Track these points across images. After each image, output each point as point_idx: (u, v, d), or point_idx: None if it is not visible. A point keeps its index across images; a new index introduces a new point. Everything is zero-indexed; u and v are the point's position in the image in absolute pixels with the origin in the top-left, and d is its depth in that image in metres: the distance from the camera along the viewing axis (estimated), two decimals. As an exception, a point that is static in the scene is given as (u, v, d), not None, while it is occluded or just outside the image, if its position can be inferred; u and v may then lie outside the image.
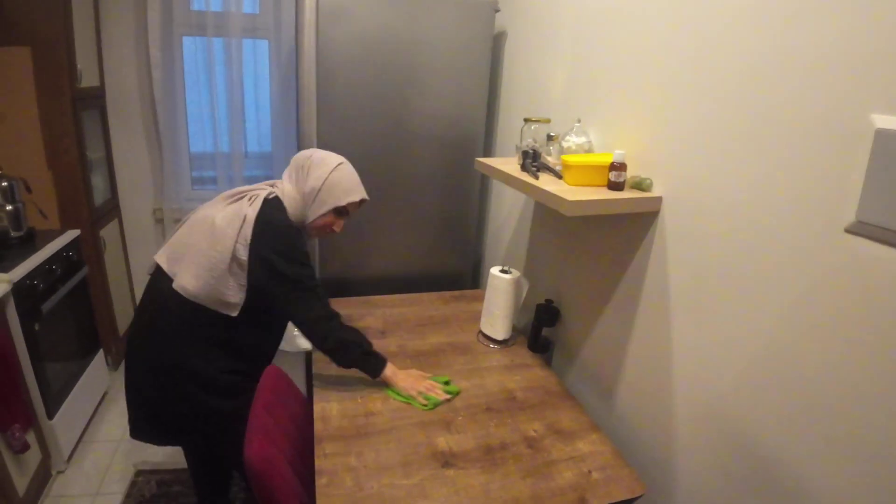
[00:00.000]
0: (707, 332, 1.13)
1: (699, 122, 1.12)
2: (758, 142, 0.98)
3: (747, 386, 1.04)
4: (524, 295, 1.72)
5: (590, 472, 1.23)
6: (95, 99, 2.57)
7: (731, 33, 1.03)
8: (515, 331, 1.83)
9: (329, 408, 1.40)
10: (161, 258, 1.45)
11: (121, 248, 2.80)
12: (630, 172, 1.29)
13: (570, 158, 1.30)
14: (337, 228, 1.56)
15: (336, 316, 1.48)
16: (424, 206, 2.11)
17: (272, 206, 1.44)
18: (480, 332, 1.80)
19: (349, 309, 1.89)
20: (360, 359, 1.49)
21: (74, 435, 2.23)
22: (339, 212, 1.53)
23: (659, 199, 1.23)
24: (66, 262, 2.20)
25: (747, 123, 1.00)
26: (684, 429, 1.22)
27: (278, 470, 1.16)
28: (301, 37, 1.83)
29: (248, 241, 1.36)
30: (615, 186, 1.25)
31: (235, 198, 1.45)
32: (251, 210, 1.39)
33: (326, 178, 1.48)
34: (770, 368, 0.99)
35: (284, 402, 1.37)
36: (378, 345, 1.69)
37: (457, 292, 2.10)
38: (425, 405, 1.43)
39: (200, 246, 1.37)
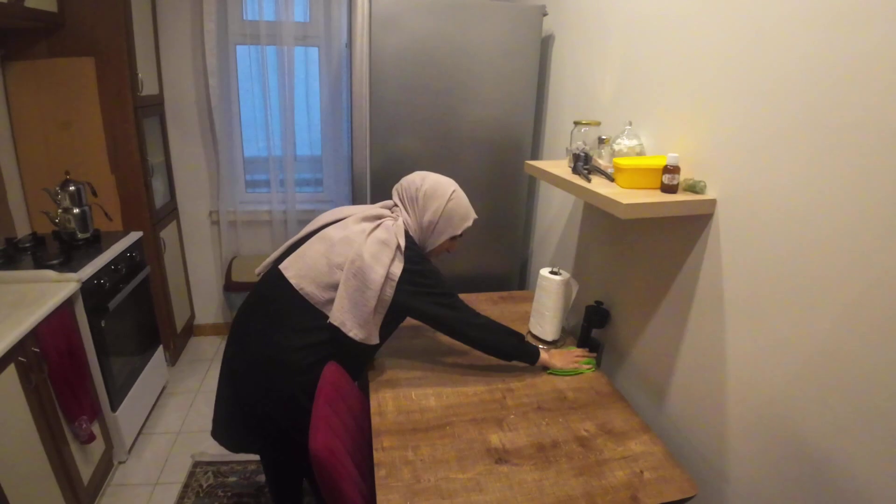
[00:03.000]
0: (762, 334, 1.15)
1: (753, 123, 1.14)
2: (813, 142, 1.00)
3: (802, 389, 1.06)
4: (574, 296, 1.76)
5: (642, 471, 1.26)
6: (155, 106, 2.73)
7: (786, 30, 1.05)
8: (564, 332, 1.87)
9: (385, 403, 1.48)
10: (289, 271, 1.48)
11: (179, 249, 2.96)
12: (683, 175, 1.32)
13: (623, 161, 1.34)
14: (453, 250, 1.66)
15: (484, 317, 1.59)
16: (473, 208, 2.17)
17: (409, 239, 1.52)
18: (529, 332, 1.84)
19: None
20: (519, 349, 1.61)
21: (135, 427, 2.37)
22: (455, 237, 1.61)
23: (713, 202, 1.26)
24: (129, 262, 2.34)
25: (802, 123, 1.02)
26: (737, 431, 1.24)
27: (341, 461, 1.23)
28: (354, 44, 1.92)
29: (396, 280, 1.44)
30: (669, 189, 1.28)
31: (373, 225, 1.50)
32: (398, 243, 1.46)
33: (443, 210, 1.54)
34: (826, 371, 1.01)
35: (344, 397, 1.45)
36: (429, 344, 1.76)
37: (505, 293, 2.15)
38: (590, 368, 1.66)
39: (352, 281, 1.42)
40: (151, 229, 2.60)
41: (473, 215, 1.61)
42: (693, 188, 1.29)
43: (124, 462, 2.26)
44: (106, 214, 2.44)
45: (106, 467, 2.16)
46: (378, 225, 1.51)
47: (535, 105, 2.12)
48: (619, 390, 1.61)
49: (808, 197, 1.03)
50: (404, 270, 1.46)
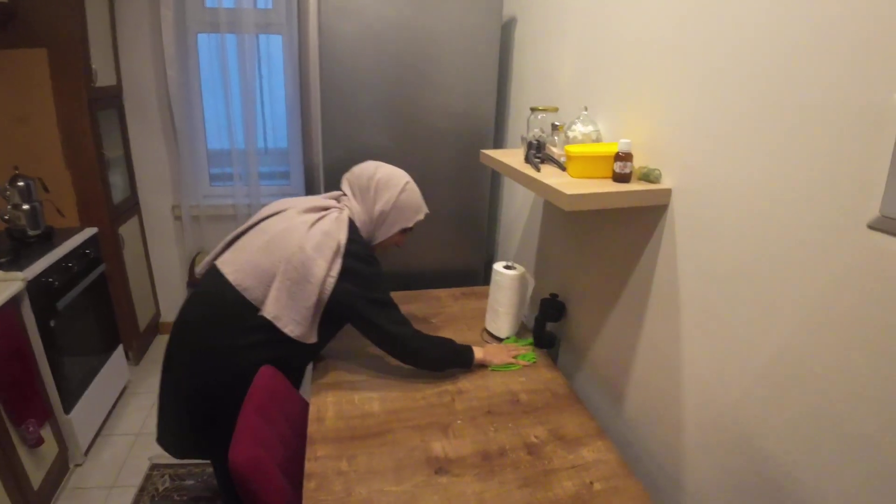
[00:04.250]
0: (718, 333, 1.03)
1: (711, 109, 1.02)
2: (773, 130, 0.88)
3: (760, 393, 0.94)
4: (530, 292, 1.64)
5: (592, 482, 1.15)
6: (112, 98, 2.59)
7: (742, 15, 0.93)
8: (524, 328, 1.75)
9: (325, 408, 1.36)
10: (227, 267, 1.37)
11: (141, 245, 2.83)
12: (638, 163, 1.19)
13: (573, 149, 1.21)
14: (401, 245, 1.57)
15: (416, 329, 1.47)
16: (434, 201, 2.02)
17: (354, 233, 1.41)
18: (485, 329, 1.72)
19: (355, 306, 1.84)
20: (454, 358, 1.50)
21: (92, 428, 2.25)
22: (405, 230, 1.53)
23: (668, 192, 1.14)
24: (83, 259, 2.22)
25: (762, 110, 0.90)
26: (693, 437, 1.12)
27: (266, 473, 1.12)
28: (305, 30, 1.78)
29: (337, 275, 1.33)
30: (621, 178, 1.16)
31: (317, 216, 1.40)
32: (342, 237, 1.36)
33: (396, 200, 1.46)
34: (785, 374, 0.89)
35: (279, 403, 1.33)
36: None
37: (467, 289, 2.03)
38: (527, 364, 1.57)
39: (292, 274, 1.32)
40: (109, 225, 2.46)
41: (426, 209, 1.54)
42: (647, 177, 1.16)
43: (81, 465, 2.15)
44: (58, 211, 2.31)
45: (60, 471, 2.04)
46: (322, 216, 1.40)
47: (497, 93, 1.98)
48: (578, 391, 1.50)
49: (766, 188, 0.90)
50: (346, 266, 1.34)
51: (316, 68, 1.80)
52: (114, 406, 2.45)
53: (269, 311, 1.32)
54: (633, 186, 1.14)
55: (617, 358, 1.39)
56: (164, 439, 1.47)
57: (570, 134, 1.35)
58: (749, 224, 0.94)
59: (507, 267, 1.62)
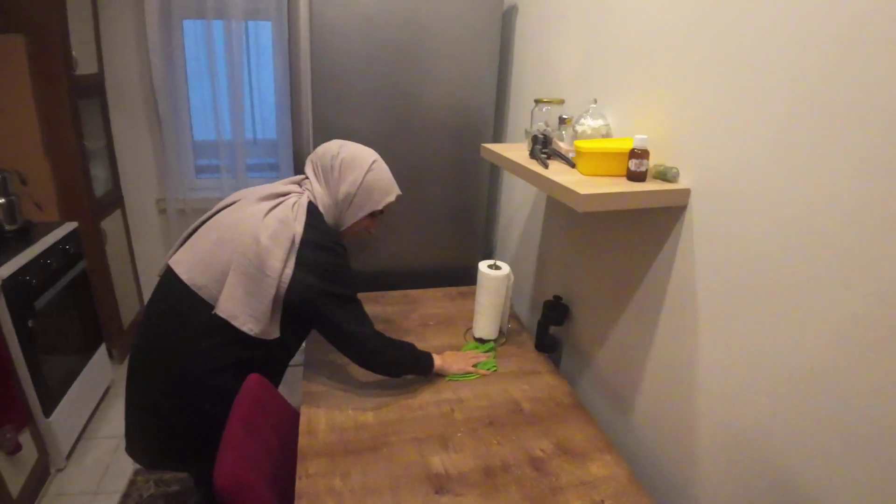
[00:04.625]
0: (740, 346, 0.95)
1: (738, 102, 0.92)
2: (810, 127, 0.79)
3: (787, 413, 0.86)
4: (510, 292, 1.54)
5: (602, 501, 1.07)
6: (94, 87, 2.45)
7: (778, -9, 0.84)
8: (513, 332, 1.66)
9: (316, 420, 1.26)
10: (181, 266, 1.25)
11: (125, 240, 2.70)
12: (653, 160, 1.10)
13: (584, 144, 1.11)
14: (373, 230, 1.45)
15: (377, 331, 1.36)
16: (430, 197, 1.94)
17: (315, 218, 1.29)
18: (470, 329, 1.64)
19: (348, 307, 1.75)
20: (413, 364, 1.40)
21: (74, 432, 2.14)
22: (375, 214, 1.40)
23: (686, 192, 1.05)
24: (62, 255, 2.09)
25: (797, 104, 0.81)
26: (709, 455, 1.04)
27: (254, 494, 1.02)
28: (295, 17, 1.66)
29: (294, 265, 1.22)
30: (636, 177, 1.06)
31: (274, 203, 1.28)
32: (298, 225, 1.23)
33: (362, 181, 1.33)
34: (817, 395, 0.81)
35: (268, 415, 1.23)
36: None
37: (464, 288, 1.94)
38: (487, 373, 1.46)
39: (246, 267, 1.20)
40: (90, 219, 2.34)
41: (397, 190, 1.41)
42: (664, 175, 1.07)
43: (63, 469, 2.04)
44: (36, 204, 2.18)
45: (41, 476, 1.94)
46: (279, 203, 1.28)
47: (498, 84, 1.88)
48: (582, 399, 1.41)
49: (799, 188, 0.81)
50: (302, 256, 1.22)
51: (307, 56, 1.68)
52: (97, 408, 2.33)
53: (223, 309, 1.20)
54: (649, 186, 1.05)
55: (625, 366, 1.30)
56: (132, 449, 1.35)
57: (579, 128, 1.26)
58: (781, 231, 0.86)
59: (492, 266, 1.53)
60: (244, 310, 1.20)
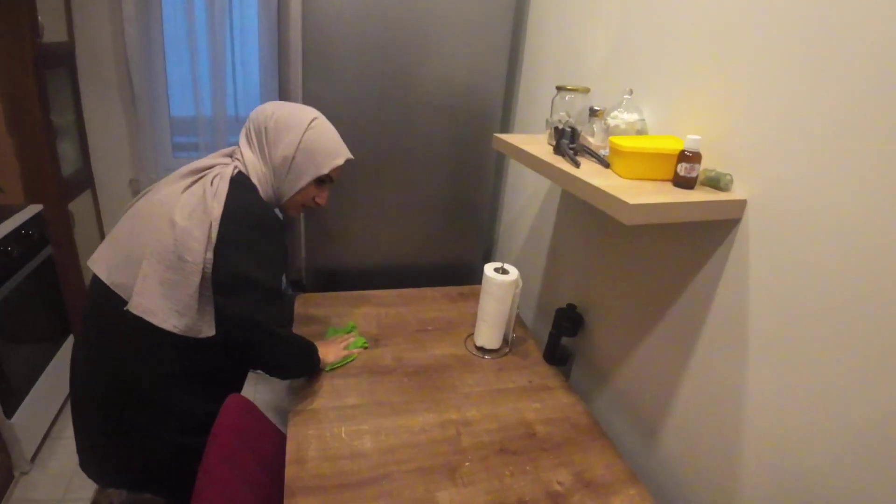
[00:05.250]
0: (800, 382, 0.80)
1: (805, 103, 0.76)
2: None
3: (852, 465, 0.72)
4: (517, 298, 1.39)
5: (633, 550, 0.93)
6: (63, 56, 2.19)
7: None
8: (519, 340, 1.51)
9: (305, 446, 1.09)
10: (99, 265, 1.07)
11: (95, 224, 2.46)
12: (702, 165, 0.93)
13: (623, 142, 0.94)
14: (321, 201, 1.25)
15: (296, 336, 1.25)
16: (430, 187, 1.76)
17: (242, 188, 1.09)
18: (471, 336, 1.48)
19: (337, 307, 1.57)
20: (310, 364, 1.27)
21: (39, 432, 1.95)
22: (322, 180, 1.21)
23: (742, 204, 0.89)
24: (24, 241, 1.87)
25: (879, 105, 0.65)
26: (755, 499, 0.90)
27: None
28: (285, -18, 1.45)
29: (216, 245, 1.02)
30: (684, 183, 0.90)
31: (194, 178, 1.08)
32: (218, 201, 1.03)
33: (300, 143, 1.13)
34: (889, 447, 0.67)
35: (252, 444, 1.06)
36: (373, 355, 1.38)
37: (465, 288, 1.77)
38: (361, 350, 1.39)
39: (162, 254, 1.01)
40: (57, 201, 2.10)
41: (346, 153, 1.22)
42: (716, 183, 0.91)
43: (27, 473, 1.86)
44: (-4, 184, 1.95)
45: (4, 480, 1.76)
46: (199, 178, 1.08)
47: (508, 67, 1.69)
48: (598, 419, 1.27)
49: (883, 206, 0.66)
50: (223, 233, 1.02)
51: (297, 28, 1.47)
52: (63, 405, 2.13)
53: (137, 305, 1.01)
54: (699, 195, 0.89)
55: (651, 389, 1.16)
56: (87, 468, 1.17)
57: (611, 122, 1.08)
58: (854, 250, 0.70)
59: (498, 270, 1.36)
60: (163, 304, 1.01)
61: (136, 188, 2.44)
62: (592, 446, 1.15)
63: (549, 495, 1.02)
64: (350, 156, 1.22)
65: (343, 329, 1.46)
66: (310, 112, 1.18)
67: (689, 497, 1.05)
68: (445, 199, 1.79)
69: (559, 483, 1.05)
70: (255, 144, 1.15)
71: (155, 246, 1.01)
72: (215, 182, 1.05)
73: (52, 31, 2.06)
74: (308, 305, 1.56)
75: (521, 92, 1.75)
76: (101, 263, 1.07)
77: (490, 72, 1.66)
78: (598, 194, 0.87)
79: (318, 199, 1.23)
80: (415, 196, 1.75)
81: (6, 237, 1.77)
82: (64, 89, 2.22)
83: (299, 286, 1.74)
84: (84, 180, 2.34)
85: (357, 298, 1.63)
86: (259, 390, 2.33)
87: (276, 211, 1.21)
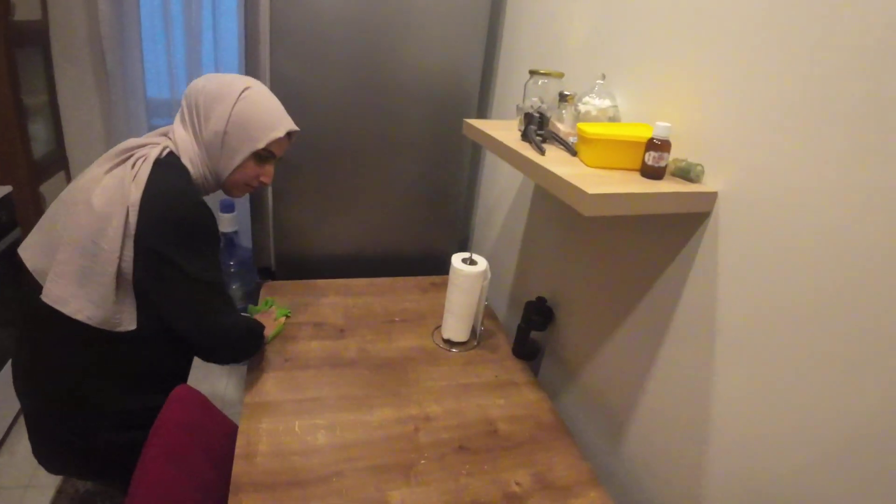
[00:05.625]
0: (769, 386, 0.75)
1: (783, 92, 0.70)
2: (882, 123, 0.57)
3: (828, 470, 0.67)
4: (486, 289, 1.33)
5: (588, 556, 0.87)
6: (36, 34, 2.10)
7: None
8: (489, 334, 1.45)
9: (256, 440, 1.04)
10: (27, 252, 0.99)
11: (71, 206, 2.39)
12: (671, 154, 0.87)
13: (590, 128, 0.88)
14: (266, 179, 1.14)
15: (243, 317, 1.18)
16: (404, 174, 1.68)
17: (166, 171, 0.99)
18: (438, 328, 1.42)
19: (304, 296, 1.51)
20: (258, 344, 1.25)
21: (7, 418, 1.89)
22: (262, 156, 1.09)
23: (712, 196, 0.82)
24: (-9, 223, 1.80)
25: (862, 94, 0.58)
26: (719, 505, 0.85)
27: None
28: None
29: (134, 232, 0.93)
30: (652, 173, 0.84)
31: (121, 159, 0.99)
32: (137, 184, 0.94)
33: (230, 114, 1.02)
34: (861, 458, 0.62)
35: (199, 437, 1.00)
36: (336, 346, 1.32)
37: (438, 278, 1.71)
38: (286, 318, 1.39)
39: (78, 239, 0.93)
40: (28, 183, 2.03)
41: (288, 124, 1.10)
42: (685, 173, 0.85)
43: (-7, 458, 1.80)
44: (-39, 164, 1.87)
45: (-31, 465, 1.70)
46: (125, 159, 0.98)
47: (486, 47, 1.61)
48: (563, 413, 1.22)
49: (869, 206, 0.60)
50: (144, 219, 0.93)
51: (266, 5, 1.40)
52: (35, 389, 2.08)
53: (49, 293, 0.93)
54: (668, 185, 0.83)
55: (617, 387, 1.10)
56: (37, 455, 1.10)
57: (582, 108, 1.02)
58: (837, 251, 0.64)
59: (466, 260, 1.30)
60: (78, 292, 0.93)
61: (111, 170, 2.36)
62: (556, 446, 1.10)
63: (505, 496, 0.97)
64: (293, 127, 1.11)
65: (265, 305, 1.43)
66: (242, 81, 1.06)
67: (654, 502, 1.00)
68: (420, 187, 1.72)
69: (517, 484, 1.00)
70: (188, 122, 1.05)
71: (72, 231, 0.94)
72: (138, 164, 0.96)
73: (25, 9, 1.98)
74: (273, 293, 1.50)
75: (499, 77, 1.67)
76: (27, 250, 0.99)
77: (467, 55, 1.58)
78: (559, 183, 0.81)
79: (262, 178, 1.13)
80: (388, 182, 1.68)
81: (-30, 218, 1.70)
82: (37, 69, 2.13)
83: (268, 273, 1.68)
84: (57, 161, 2.26)
85: (325, 287, 1.57)
86: (210, 380, 2.28)
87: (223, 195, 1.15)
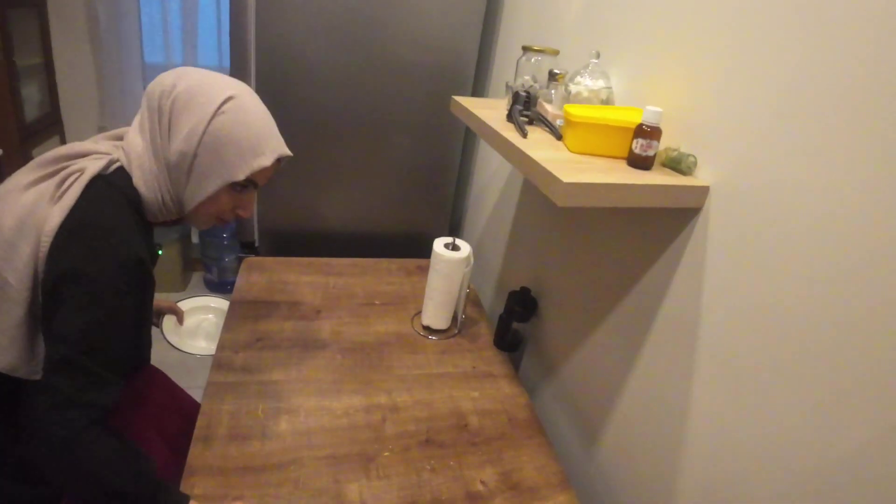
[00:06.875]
0: (749, 406, 0.67)
1: (787, 79, 0.60)
2: (889, 117, 0.47)
3: (805, 488, 0.59)
4: (468, 276, 1.25)
5: (548, 565, 0.81)
6: (30, -8, 2.02)
7: None
8: (481, 317, 1.38)
9: (217, 421, 0.97)
10: None
11: (65, 170, 2.33)
12: (663, 142, 0.78)
13: (576, 110, 0.78)
14: (244, 213, 0.88)
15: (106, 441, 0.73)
16: (395, 151, 1.59)
17: (102, 195, 0.75)
18: (418, 314, 1.35)
19: (285, 273, 1.43)
20: (134, 484, 0.73)
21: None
22: (241, 186, 0.83)
23: (704, 190, 0.73)
24: (-23, 183, 1.74)
25: (872, 87, 0.49)
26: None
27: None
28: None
29: (45, 269, 0.71)
30: (640, 163, 0.74)
31: (51, 170, 0.75)
32: (59, 209, 0.71)
33: (204, 132, 0.77)
34: (865, 481, 0.53)
35: (167, 420, 0.94)
36: (311, 327, 1.25)
37: (424, 261, 1.59)
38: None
39: None
40: (19, 146, 1.96)
41: (279, 148, 0.84)
42: (677, 164, 0.75)
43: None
44: (-50, 122, 1.80)
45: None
46: (54, 172, 0.75)
47: (484, 23, 1.50)
48: (541, 414, 1.14)
49: (873, 203, 0.51)
50: (53, 255, 0.70)
51: (252, -32, 1.30)
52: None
53: None
54: (656, 177, 0.73)
55: (596, 386, 1.02)
56: None
57: (573, 88, 0.92)
58: (837, 257, 0.56)
59: (449, 245, 1.22)
60: None
61: (106, 136, 2.29)
62: (527, 444, 1.03)
63: (468, 496, 0.90)
64: (284, 152, 0.85)
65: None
66: (226, 87, 0.79)
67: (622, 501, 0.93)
68: (411, 166, 1.63)
69: (482, 483, 0.93)
70: (147, 130, 0.79)
71: None
72: (68, 181, 0.73)
73: (20, -34, 1.89)
74: (252, 270, 1.42)
75: (497, 54, 1.56)
76: None
77: (464, 30, 1.48)
78: (535, 168, 0.72)
79: (239, 211, 0.87)
80: (379, 160, 1.59)
81: (-45, 178, 1.63)
82: (31, 29, 2.05)
83: (252, 248, 1.61)
84: (52, 125, 2.19)
85: (307, 265, 1.49)
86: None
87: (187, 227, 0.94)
